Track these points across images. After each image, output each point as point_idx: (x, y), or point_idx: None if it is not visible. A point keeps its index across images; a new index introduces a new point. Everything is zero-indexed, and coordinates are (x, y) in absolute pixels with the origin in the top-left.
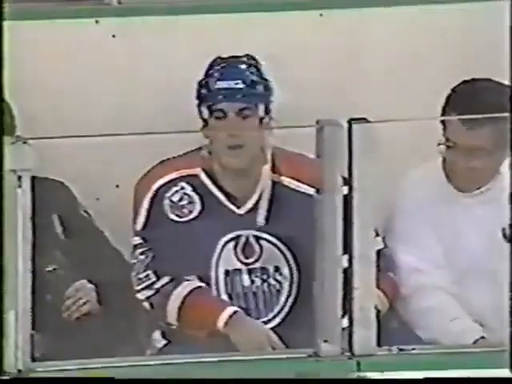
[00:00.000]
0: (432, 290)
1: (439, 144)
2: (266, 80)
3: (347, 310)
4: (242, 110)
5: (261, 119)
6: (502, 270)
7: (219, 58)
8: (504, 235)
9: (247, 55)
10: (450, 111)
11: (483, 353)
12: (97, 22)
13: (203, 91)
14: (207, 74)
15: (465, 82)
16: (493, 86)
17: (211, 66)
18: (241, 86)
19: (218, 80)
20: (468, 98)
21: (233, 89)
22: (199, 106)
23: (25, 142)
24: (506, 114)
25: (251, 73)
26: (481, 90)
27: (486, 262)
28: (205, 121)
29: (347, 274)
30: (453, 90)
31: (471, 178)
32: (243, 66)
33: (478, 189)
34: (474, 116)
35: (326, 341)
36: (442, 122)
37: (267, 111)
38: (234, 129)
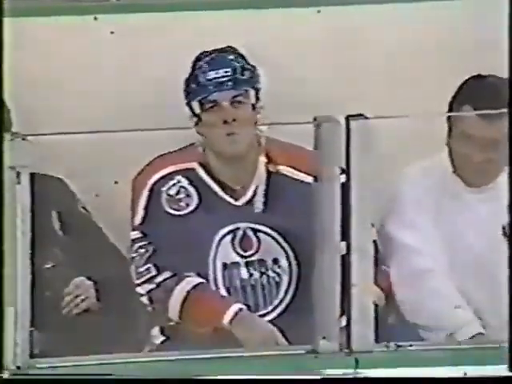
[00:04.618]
0: (436, 273)
1: (449, 136)
2: (252, 66)
3: (345, 307)
4: (234, 97)
5: (253, 106)
6: (502, 269)
7: (203, 52)
8: (504, 233)
9: (229, 46)
10: (461, 104)
11: (482, 349)
12: (95, 18)
13: (192, 86)
14: (194, 69)
15: (475, 76)
16: (503, 81)
17: (196, 61)
18: (230, 73)
19: (207, 71)
20: (482, 91)
21: (222, 77)
22: (189, 103)
23: (24, 139)
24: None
25: (237, 61)
26: (493, 83)
27: (486, 260)
28: (197, 116)
29: (345, 268)
30: (464, 83)
31: (484, 171)
32: (229, 56)
33: (486, 184)
34: (475, 112)
35: (324, 337)
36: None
37: (257, 97)
38: (228, 117)
